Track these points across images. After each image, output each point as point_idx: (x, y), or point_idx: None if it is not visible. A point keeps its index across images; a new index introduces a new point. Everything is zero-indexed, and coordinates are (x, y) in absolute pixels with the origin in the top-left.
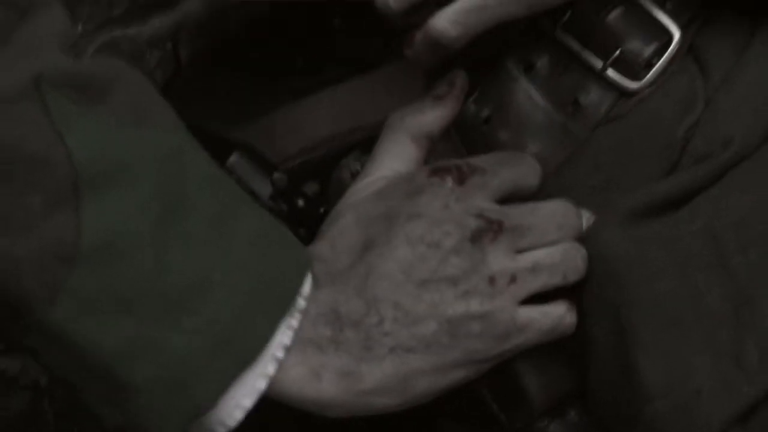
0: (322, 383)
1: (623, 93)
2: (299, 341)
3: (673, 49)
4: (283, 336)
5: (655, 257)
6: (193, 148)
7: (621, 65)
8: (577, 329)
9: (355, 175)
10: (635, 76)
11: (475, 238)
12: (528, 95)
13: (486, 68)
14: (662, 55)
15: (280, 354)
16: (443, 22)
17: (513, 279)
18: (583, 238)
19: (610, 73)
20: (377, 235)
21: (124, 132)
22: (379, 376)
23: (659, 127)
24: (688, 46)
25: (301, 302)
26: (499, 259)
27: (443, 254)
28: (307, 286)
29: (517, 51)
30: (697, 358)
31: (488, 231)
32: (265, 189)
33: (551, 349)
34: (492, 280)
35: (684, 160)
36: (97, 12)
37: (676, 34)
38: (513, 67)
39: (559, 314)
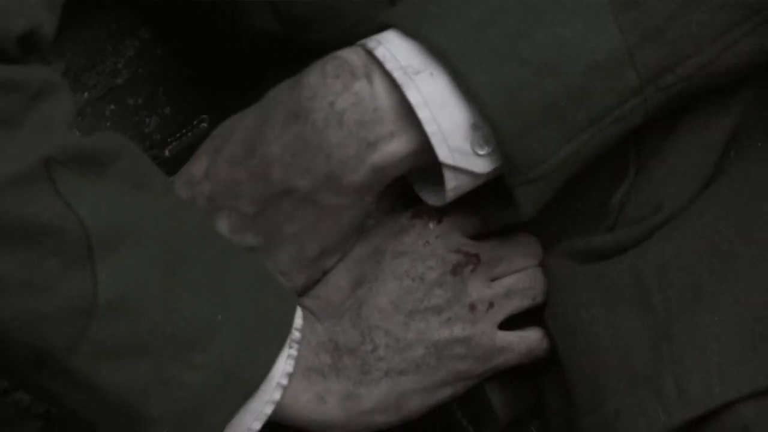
0: (327, 406)
1: None
2: (302, 369)
3: None
4: (286, 365)
5: (583, 288)
6: (185, 205)
7: None
8: None
9: None
10: None
11: (456, 270)
12: None
13: None
14: None
15: (284, 381)
16: None
17: (491, 305)
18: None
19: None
20: (366, 273)
21: (126, 197)
22: (376, 397)
23: (594, 191)
24: None
25: (296, 334)
26: (477, 287)
27: (427, 286)
28: (299, 319)
29: None
30: (614, 382)
31: (467, 264)
32: None
33: (514, 367)
34: (472, 307)
35: (619, 223)
36: (102, 81)
37: None
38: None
39: (535, 339)
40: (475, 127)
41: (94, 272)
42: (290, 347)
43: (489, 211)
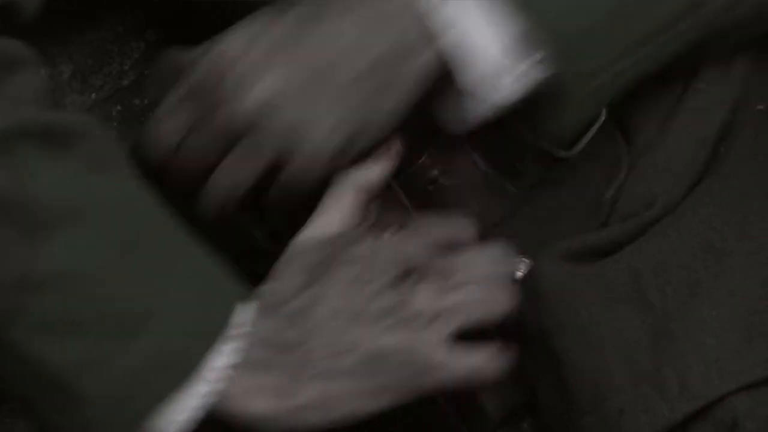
0: (258, 400)
1: (555, 159)
2: (238, 363)
3: (599, 123)
4: (216, 360)
5: (582, 289)
6: (145, 194)
7: None
8: (525, 356)
9: None
10: (566, 146)
11: (403, 278)
12: (472, 160)
13: (435, 136)
14: (590, 128)
15: (212, 375)
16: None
17: (436, 316)
18: (517, 279)
19: (544, 143)
20: (317, 277)
21: (85, 178)
22: (305, 396)
23: (588, 189)
24: (613, 116)
25: (234, 330)
26: (424, 298)
27: (372, 293)
28: (242, 314)
29: None
30: (617, 379)
31: (415, 273)
32: None
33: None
34: (416, 317)
35: (612, 218)
36: (109, 82)
37: (603, 110)
38: (459, 138)
39: (480, 360)
40: (506, 50)
41: (41, 246)
42: (227, 342)
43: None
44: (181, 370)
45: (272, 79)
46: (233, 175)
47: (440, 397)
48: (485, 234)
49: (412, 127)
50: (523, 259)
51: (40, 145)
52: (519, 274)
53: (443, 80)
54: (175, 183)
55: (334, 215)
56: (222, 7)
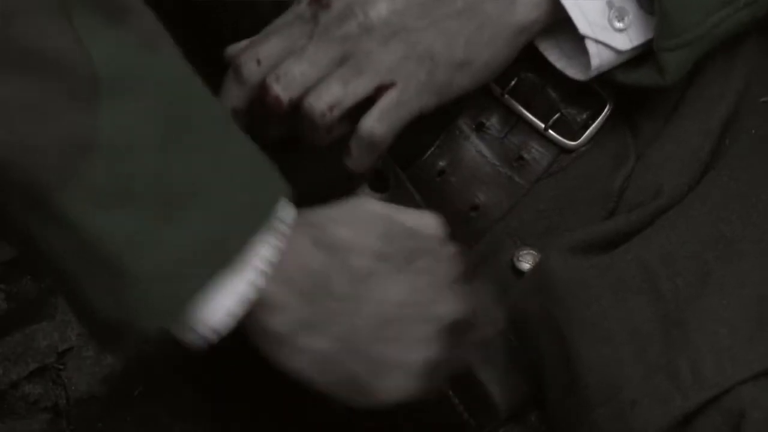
0: (282, 313)
1: (562, 150)
2: (280, 270)
3: (606, 113)
4: (262, 249)
5: (592, 282)
6: (197, 79)
7: (560, 126)
8: (530, 346)
9: None
10: (573, 137)
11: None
12: (478, 151)
13: (441, 127)
14: (596, 118)
15: (261, 265)
16: (370, 123)
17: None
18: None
19: (551, 133)
20: None
21: (141, 51)
22: (321, 346)
23: (595, 179)
24: (619, 108)
25: (277, 224)
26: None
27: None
28: (286, 206)
29: (469, 112)
30: (629, 371)
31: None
32: None
33: (511, 358)
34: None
35: (620, 208)
36: None
37: (609, 101)
38: (465, 127)
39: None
40: (610, 2)
41: (97, 111)
42: (272, 234)
43: None
44: (227, 252)
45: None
46: (341, 89)
47: (449, 390)
48: (491, 226)
49: (419, 120)
50: (530, 251)
51: (97, 15)
52: (526, 266)
53: (560, 27)
54: (273, 105)
55: None
56: (222, 5)
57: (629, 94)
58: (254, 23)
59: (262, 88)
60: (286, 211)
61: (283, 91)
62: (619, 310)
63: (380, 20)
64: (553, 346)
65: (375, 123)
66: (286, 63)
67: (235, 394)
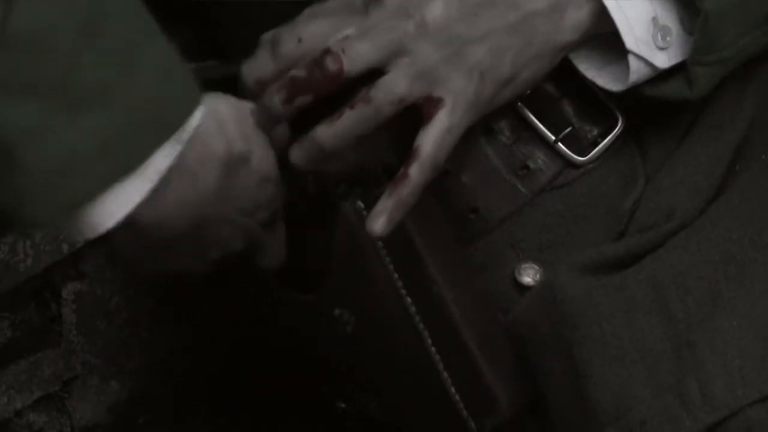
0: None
1: (569, 164)
2: (179, 169)
3: (617, 132)
4: (163, 161)
5: (603, 301)
6: None
7: (570, 140)
8: (537, 364)
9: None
10: (582, 152)
11: None
12: (485, 155)
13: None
14: (607, 136)
15: (156, 177)
16: (432, 152)
17: None
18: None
19: (560, 146)
20: None
21: None
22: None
23: (602, 198)
24: (629, 129)
25: (185, 135)
26: None
27: None
28: (195, 121)
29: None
30: (639, 390)
31: None
32: None
33: (516, 362)
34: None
35: (630, 229)
36: None
37: (621, 119)
38: (474, 130)
39: None
40: (654, 20)
41: (12, 3)
42: (173, 146)
43: None
44: (126, 159)
45: (443, 2)
46: (408, 86)
47: (453, 390)
48: (488, 231)
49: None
50: (533, 265)
51: None
52: (527, 279)
53: (602, 44)
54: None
55: None
56: (223, 5)
57: (641, 115)
58: (254, 23)
59: (324, 56)
60: (194, 120)
61: (348, 63)
62: (630, 330)
63: (435, 24)
64: (561, 362)
65: (436, 153)
66: (350, 39)
67: (237, 424)
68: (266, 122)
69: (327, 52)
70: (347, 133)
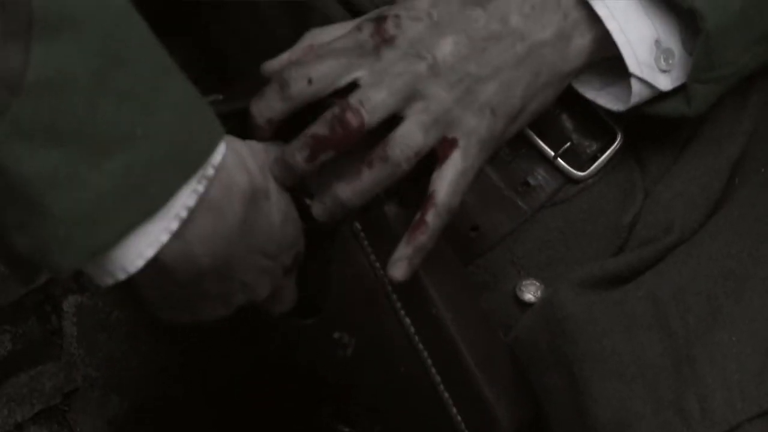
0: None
1: (569, 180)
2: (205, 207)
3: (615, 147)
4: (188, 198)
5: (603, 318)
6: (137, 15)
7: (569, 156)
8: (538, 381)
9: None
10: (581, 167)
11: None
12: (484, 172)
13: None
14: (606, 151)
15: (183, 214)
16: (446, 199)
17: None
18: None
19: (560, 161)
20: None
21: None
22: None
23: (602, 213)
24: (628, 144)
25: (210, 170)
26: None
27: None
28: (218, 156)
29: None
30: (640, 406)
31: None
32: None
33: (518, 380)
34: None
35: (630, 243)
36: None
37: (620, 135)
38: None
39: None
40: (657, 43)
41: (28, 49)
42: (199, 182)
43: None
44: (150, 200)
45: (452, 40)
46: (423, 137)
47: (454, 410)
48: (490, 248)
49: None
50: (534, 282)
51: None
52: (529, 296)
53: (603, 65)
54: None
55: None
56: (224, 9)
57: (639, 130)
58: (254, 24)
59: (344, 112)
60: (217, 156)
61: (369, 116)
62: (630, 346)
63: (446, 64)
64: (562, 379)
65: (451, 198)
66: (366, 89)
67: None
68: (288, 180)
69: (347, 107)
70: (367, 191)
